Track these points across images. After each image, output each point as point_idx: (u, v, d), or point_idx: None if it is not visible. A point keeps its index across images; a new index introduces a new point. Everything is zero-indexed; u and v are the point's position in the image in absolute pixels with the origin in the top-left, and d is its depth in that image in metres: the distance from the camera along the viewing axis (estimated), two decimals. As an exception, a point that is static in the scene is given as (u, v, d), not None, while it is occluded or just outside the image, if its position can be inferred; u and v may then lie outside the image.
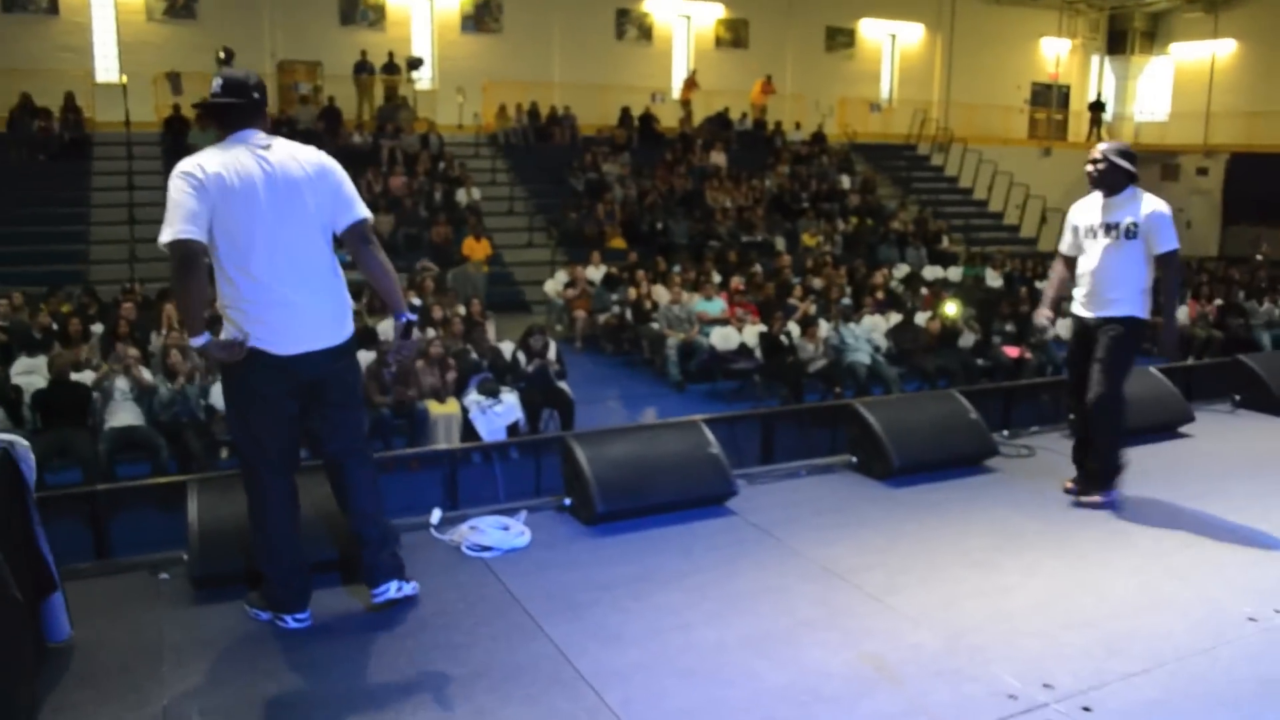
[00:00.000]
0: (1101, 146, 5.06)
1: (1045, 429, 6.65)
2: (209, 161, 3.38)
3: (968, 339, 11.80)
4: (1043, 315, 5.59)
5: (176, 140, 17.71)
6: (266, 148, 3.49)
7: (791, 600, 3.95)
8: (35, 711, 3.07)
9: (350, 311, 3.67)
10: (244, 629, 3.65)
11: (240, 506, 3.89)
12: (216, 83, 3.53)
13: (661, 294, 12.78)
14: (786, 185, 20.80)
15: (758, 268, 14.89)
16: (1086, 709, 3.18)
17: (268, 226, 3.40)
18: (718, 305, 12.33)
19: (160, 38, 19.78)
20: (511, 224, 18.25)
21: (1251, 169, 25.11)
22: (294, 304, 3.46)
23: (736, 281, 13.52)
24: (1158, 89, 29.61)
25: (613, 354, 12.85)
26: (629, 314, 12.68)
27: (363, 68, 20.17)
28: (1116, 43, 29.91)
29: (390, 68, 20.34)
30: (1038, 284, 14.78)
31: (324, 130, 18.18)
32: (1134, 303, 4.99)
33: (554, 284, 14.60)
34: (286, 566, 3.61)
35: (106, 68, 19.69)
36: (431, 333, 9.55)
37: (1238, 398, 7.30)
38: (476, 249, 15.81)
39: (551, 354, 9.51)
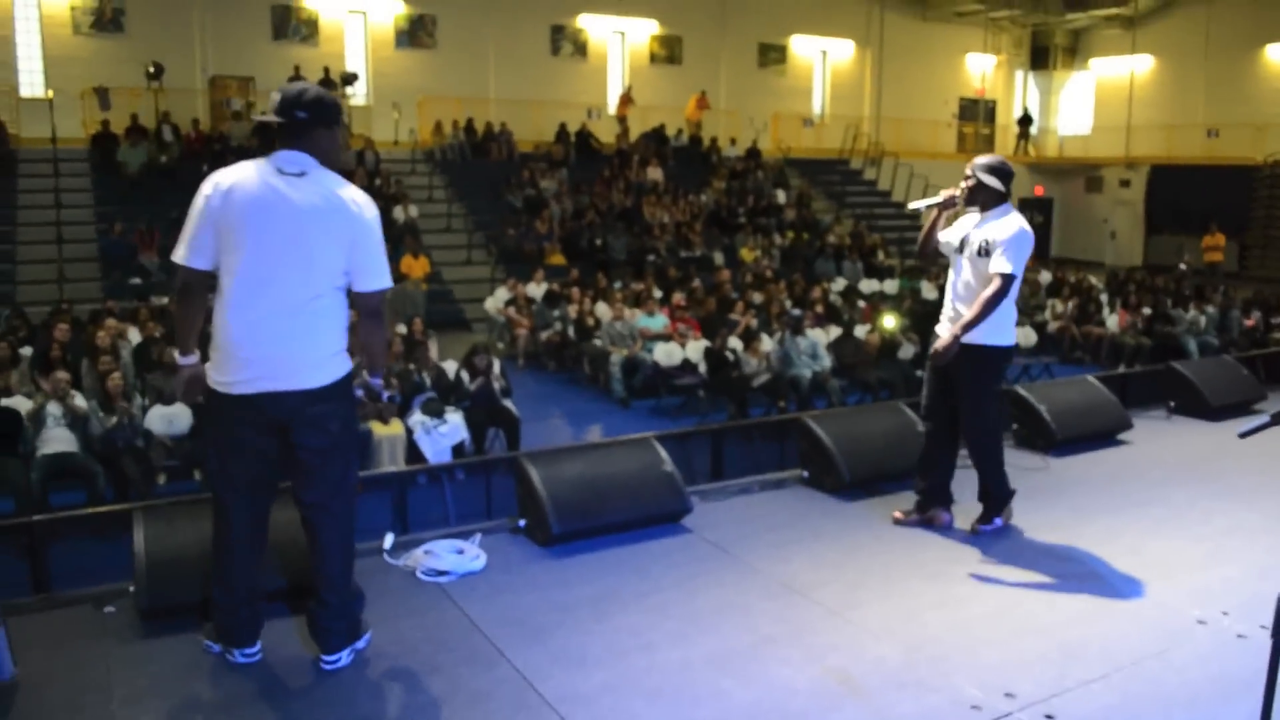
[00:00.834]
0: (975, 161, 4.77)
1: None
2: (226, 177, 3.28)
3: (907, 351, 11.96)
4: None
5: (105, 156, 17.34)
6: (299, 175, 3.31)
7: (753, 618, 3.94)
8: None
9: (340, 358, 3.42)
10: (195, 662, 3.53)
11: (188, 535, 3.79)
12: (272, 97, 3.40)
13: (603, 310, 12.78)
14: (723, 200, 20.97)
15: (698, 283, 14.97)
16: (1049, 716, 3.22)
17: (254, 256, 3.25)
18: (660, 321, 12.35)
19: (87, 51, 19.31)
20: (450, 241, 18.12)
21: (1171, 180, 25.87)
22: (266, 339, 3.28)
23: (678, 297, 13.59)
24: (1080, 103, 30.44)
25: (555, 371, 12.83)
26: (571, 331, 12.67)
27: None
28: (1040, 59, 30.70)
29: (325, 83, 20.06)
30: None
31: (258, 147, 17.83)
32: (989, 325, 4.61)
33: (494, 301, 14.51)
34: (238, 597, 3.48)
35: (32, 82, 19.18)
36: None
37: (1172, 404, 7.50)
38: (415, 267, 15.69)
39: (496, 372, 9.43)
